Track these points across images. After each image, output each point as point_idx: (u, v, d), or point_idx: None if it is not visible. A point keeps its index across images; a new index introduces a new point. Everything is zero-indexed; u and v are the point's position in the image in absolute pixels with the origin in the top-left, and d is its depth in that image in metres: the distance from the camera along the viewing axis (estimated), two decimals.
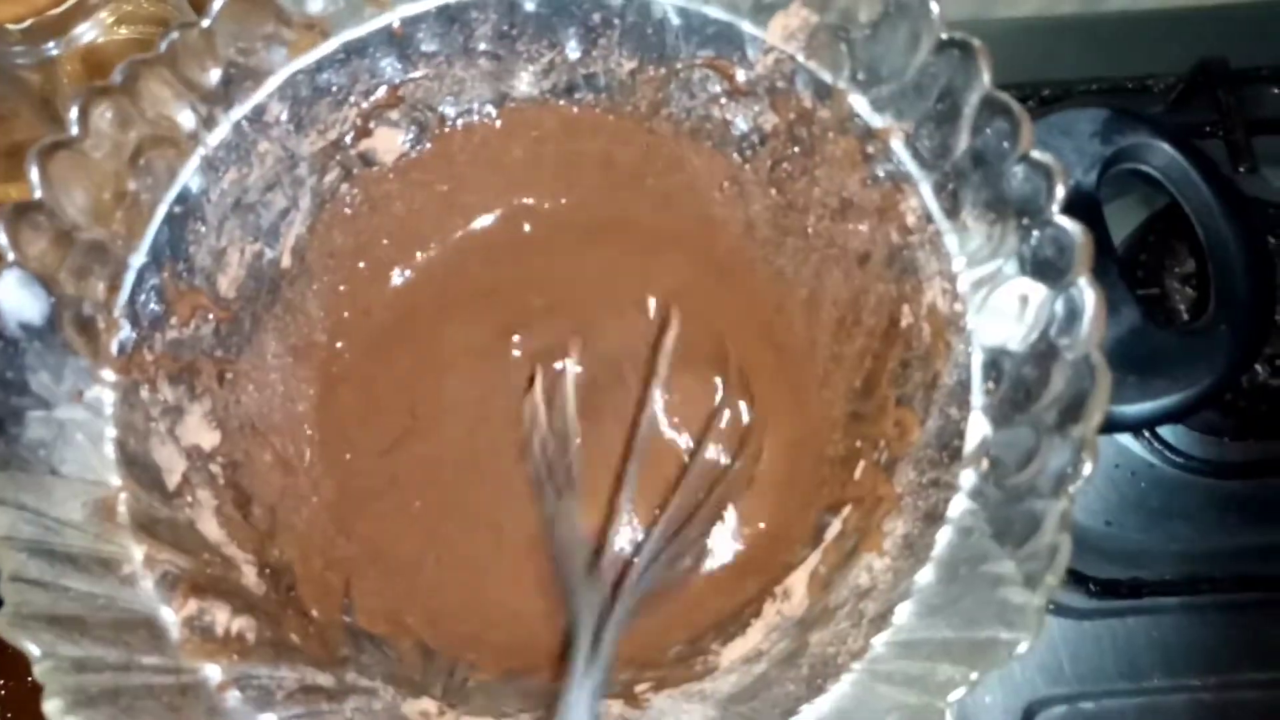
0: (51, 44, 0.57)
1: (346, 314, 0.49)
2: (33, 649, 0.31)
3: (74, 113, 0.38)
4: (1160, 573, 0.57)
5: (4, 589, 0.32)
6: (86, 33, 0.58)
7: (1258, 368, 0.57)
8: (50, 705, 0.31)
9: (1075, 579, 0.56)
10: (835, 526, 0.42)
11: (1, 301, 0.36)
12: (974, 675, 0.32)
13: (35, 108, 0.59)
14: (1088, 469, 0.33)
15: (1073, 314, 0.35)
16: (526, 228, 0.51)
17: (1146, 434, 0.60)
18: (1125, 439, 0.60)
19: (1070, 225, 0.35)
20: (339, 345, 0.49)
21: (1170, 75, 0.65)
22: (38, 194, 0.37)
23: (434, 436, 0.48)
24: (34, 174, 0.36)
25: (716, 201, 0.48)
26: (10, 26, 0.55)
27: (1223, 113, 0.61)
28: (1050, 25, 0.72)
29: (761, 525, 0.46)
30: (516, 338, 0.49)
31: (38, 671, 0.31)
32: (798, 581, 0.41)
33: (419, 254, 0.50)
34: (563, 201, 0.51)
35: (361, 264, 0.49)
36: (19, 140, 0.59)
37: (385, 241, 0.49)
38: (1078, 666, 0.57)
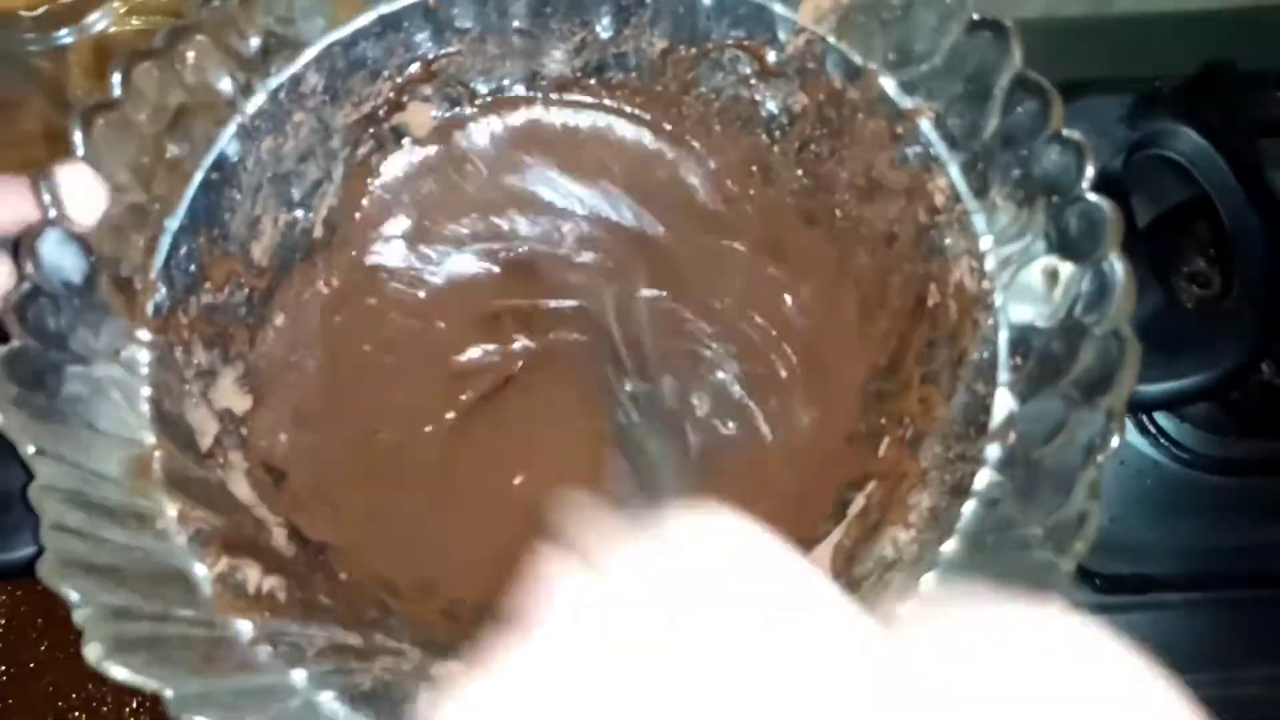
0: (63, 32, 0.57)
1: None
2: (73, 595, 0.31)
3: (116, 75, 0.38)
4: (1165, 569, 0.57)
5: (45, 536, 0.33)
6: (98, 22, 0.58)
7: (1263, 366, 0.57)
8: (91, 650, 0.31)
9: (1080, 574, 0.56)
10: (859, 501, 0.42)
11: (44, 258, 0.36)
12: None
13: (46, 96, 0.59)
14: (1116, 439, 0.33)
15: (1101, 290, 0.35)
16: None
17: (1152, 430, 0.60)
18: (1132, 436, 0.60)
19: (1100, 201, 0.35)
20: None
21: (1178, 77, 0.65)
22: (80, 154, 0.37)
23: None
24: (77, 134, 0.37)
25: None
26: (23, 13, 0.56)
27: (1230, 115, 0.62)
28: (1057, 27, 0.72)
29: (782, 501, 0.46)
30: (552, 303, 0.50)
31: (77, 617, 0.31)
32: (821, 555, 0.42)
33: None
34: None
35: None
36: (29, 129, 0.60)
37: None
38: None
